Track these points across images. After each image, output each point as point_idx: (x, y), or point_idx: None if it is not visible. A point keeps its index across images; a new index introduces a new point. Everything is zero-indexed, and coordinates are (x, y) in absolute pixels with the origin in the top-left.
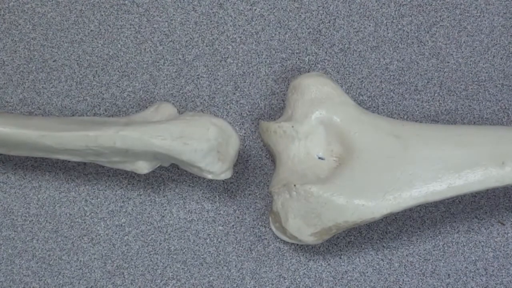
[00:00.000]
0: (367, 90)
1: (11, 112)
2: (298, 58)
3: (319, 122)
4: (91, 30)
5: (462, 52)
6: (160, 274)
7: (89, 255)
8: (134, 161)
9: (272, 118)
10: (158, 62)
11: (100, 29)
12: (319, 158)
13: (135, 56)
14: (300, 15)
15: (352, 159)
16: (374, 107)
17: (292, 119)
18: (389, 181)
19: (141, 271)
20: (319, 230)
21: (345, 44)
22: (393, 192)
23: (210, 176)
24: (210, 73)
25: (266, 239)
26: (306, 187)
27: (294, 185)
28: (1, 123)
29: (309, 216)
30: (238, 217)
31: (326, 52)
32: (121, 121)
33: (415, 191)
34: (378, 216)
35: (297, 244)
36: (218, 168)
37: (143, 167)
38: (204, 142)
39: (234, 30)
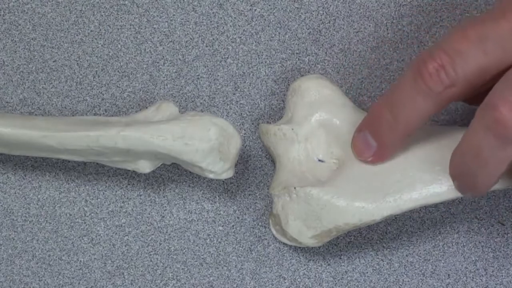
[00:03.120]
0: (367, 91)
1: (12, 113)
2: (298, 59)
3: (319, 124)
4: (91, 30)
5: None
6: (160, 274)
7: (89, 256)
8: (135, 161)
9: (272, 119)
10: (158, 62)
11: (100, 29)
12: (319, 160)
13: (135, 56)
14: (300, 15)
15: (352, 162)
16: None
17: (292, 121)
18: (389, 183)
19: (141, 271)
20: (319, 233)
21: (345, 45)
22: (393, 194)
23: (211, 176)
24: (210, 73)
25: (266, 239)
26: (306, 190)
27: (294, 188)
28: (2, 123)
29: (310, 219)
30: (238, 218)
31: (326, 53)
32: (123, 121)
33: (416, 193)
34: (379, 218)
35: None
36: (219, 168)
37: (145, 166)
38: (205, 142)
39: (234, 30)
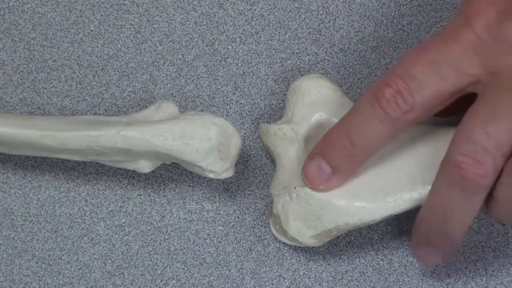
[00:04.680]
0: None
1: (12, 112)
2: (298, 58)
3: (319, 124)
4: (91, 30)
5: None
6: (160, 274)
7: (89, 255)
8: (135, 160)
9: (272, 118)
10: (158, 62)
11: (100, 29)
12: None
13: (135, 56)
14: (300, 15)
15: None
16: None
17: (292, 121)
18: (389, 183)
19: (141, 271)
20: (319, 233)
21: (345, 44)
22: (394, 194)
23: (211, 175)
24: (210, 73)
25: (266, 239)
26: (306, 190)
27: (295, 188)
28: (2, 123)
29: (310, 219)
30: (238, 217)
31: (326, 52)
32: (123, 121)
33: (415, 193)
34: (379, 218)
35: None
36: (219, 168)
37: (145, 166)
38: (205, 142)
39: (234, 30)
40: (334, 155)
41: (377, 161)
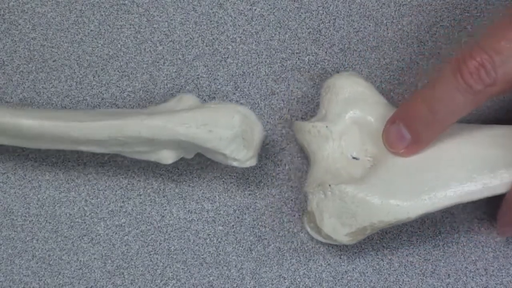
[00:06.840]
0: None
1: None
2: (298, 58)
3: (353, 122)
4: (91, 30)
5: None
6: (160, 274)
7: (89, 255)
8: (158, 151)
9: (272, 118)
10: (158, 62)
11: (100, 29)
12: (353, 158)
13: (135, 56)
14: (300, 15)
15: (387, 159)
16: None
17: (326, 119)
18: (424, 181)
19: (141, 271)
20: (354, 230)
21: (345, 44)
22: (428, 192)
23: (235, 164)
24: (210, 73)
25: (266, 239)
26: (341, 187)
27: (329, 185)
28: (27, 116)
29: (344, 216)
30: (238, 218)
31: (326, 52)
32: (145, 112)
33: (450, 191)
34: (414, 216)
35: (297, 244)
36: (243, 156)
37: (167, 156)
38: (229, 130)
39: (234, 30)
40: (414, 122)
41: (411, 159)
